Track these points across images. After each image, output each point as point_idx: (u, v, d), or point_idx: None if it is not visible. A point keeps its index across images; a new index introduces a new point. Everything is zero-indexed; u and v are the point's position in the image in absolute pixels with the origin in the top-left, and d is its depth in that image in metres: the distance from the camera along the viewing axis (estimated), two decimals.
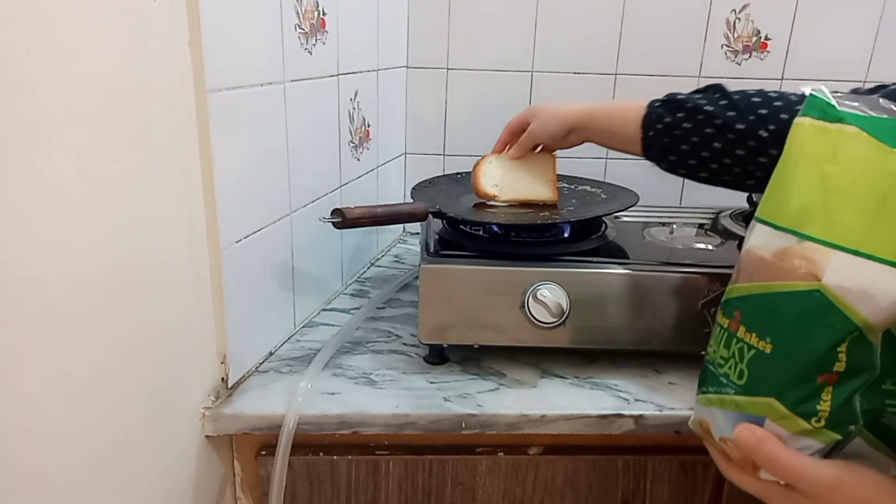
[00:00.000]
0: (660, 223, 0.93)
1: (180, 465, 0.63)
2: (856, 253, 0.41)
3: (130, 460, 0.56)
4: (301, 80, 0.76)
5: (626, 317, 0.73)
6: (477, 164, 0.86)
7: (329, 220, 0.73)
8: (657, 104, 0.71)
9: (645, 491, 0.74)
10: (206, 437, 0.67)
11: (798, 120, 0.46)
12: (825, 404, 0.43)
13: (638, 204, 0.85)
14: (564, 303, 0.71)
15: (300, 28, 0.74)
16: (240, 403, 0.67)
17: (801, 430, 0.44)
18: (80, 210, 0.47)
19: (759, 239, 0.47)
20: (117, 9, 0.49)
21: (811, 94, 0.46)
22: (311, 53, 0.77)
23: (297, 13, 0.74)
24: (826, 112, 0.44)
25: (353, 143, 0.93)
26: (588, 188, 0.95)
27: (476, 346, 0.76)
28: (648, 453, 0.73)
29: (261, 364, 0.75)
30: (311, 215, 0.81)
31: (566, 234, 0.82)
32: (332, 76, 0.84)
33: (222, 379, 0.69)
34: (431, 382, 0.73)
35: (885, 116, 0.43)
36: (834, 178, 0.43)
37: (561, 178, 0.99)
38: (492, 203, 0.86)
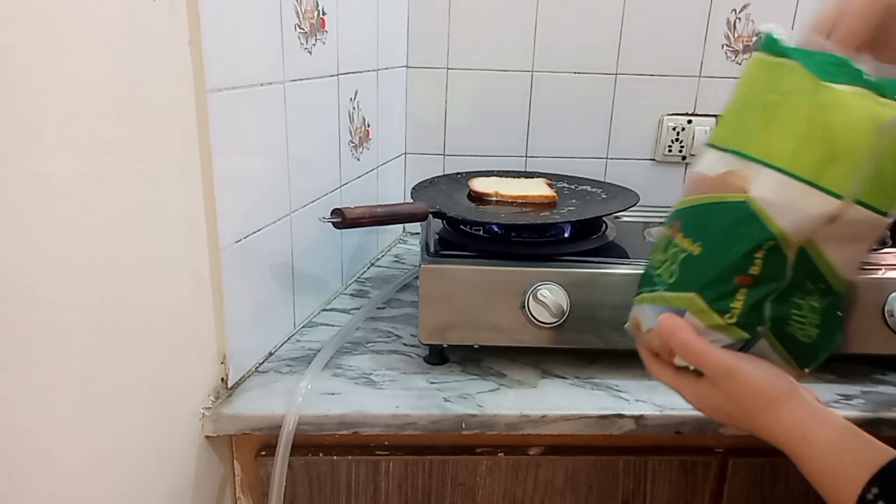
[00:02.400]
0: (660, 223, 0.92)
1: (180, 465, 0.63)
2: (782, 171, 0.45)
3: (130, 460, 0.56)
4: (301, 79, 0.76)
5: (627, 317, 0.73)
6: None
7: (329, 220, 0.73)
8: None
9: (645, 491, 0.74)
10: (206, 437, 0.67)
11: (753, 55, 0.51)
12: (738, 304, 0.48)
13: (638, 204, 0.85)
14: (565, 303, 0.71)
15: (300, 28, 0.74)
16: (240, 404, 0.67)
17: (714, 324, 0.49)
18: (79, 210, 0.47)
19: (707, 163, 0.51)
20: (117, 9, 0.49)
21: (766, 34, 0.50)
22: (310, 53, 0.77)
23: (297, 13, 0.73)
24: (773, 47, 0.48)
25: (353, 142, 0.93)
26: (588, 188, 0.95)
27: (476, 347, 0.76)
28: (649, 453, 0.73)
29: (261, 364, 0.75)
30: (311, 215, 0.81)
31: (566, 234, 0.82)
32: (332, 76, 0.84)
33: (222, 379, 0.69)
34: (431, 383, 0.73)
35: (821, 51, 0.46)
36: (773, 106, 0.47)
37: (561, 177, 0.99)
38: (492, 202, 0.86)
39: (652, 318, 0.53)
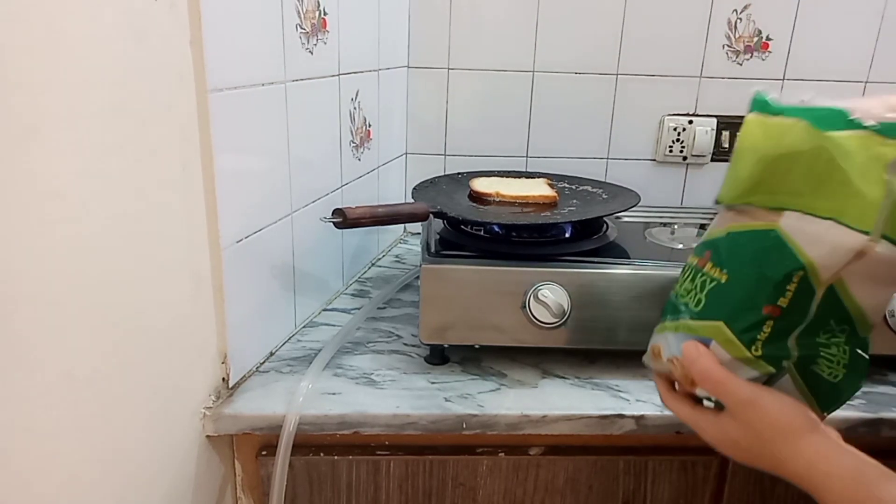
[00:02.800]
0: (661, 223, 0.93)
1: (180, 465, 0.63)
2: (806, 212, 0.46)
3: (130, 460, 0.56)
4: (302, 79, 0.76)
5: (628, 317, 0.73)
6: None
7: (330, 220, 0.73)
8: None
9: (645, 491, 0.74)
10: (207, 437, 0.67)
11: (747, 118, 0.52)
12: (764, 335, 0.48)
13: (639, 204, 0.85)
14: (565, 303, 0.71)
15: (301, 28, 0.74)
16: (240, 403, 0.67)
17: (741, 356, 0.48)
18: (79, 210, 0.47)
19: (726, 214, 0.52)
20: (117, 9, 0.49)
21: (756, 94, 0.52)
22: (312, 53, 0.77)
23: (299, 13, 0.74)
24: (766, 108, 0.50)
25: (353, 142, 0.93)
26: (589, 188, 0.95)
27: (477, 347, 0.76)
28: (649, 453, 0.73)
29: (261, 364, 0.75)
30: (311, 215, 0.81)
31: (567, 235, 0.82)
32: (333, 76, 0.84)
33: (223, 379, 0.69)
34: (432, 383, 0.73)
35: (814, 106, 0.48)
36: (783, 162, 0.48)
37: (562, 178, 0.99)
38: (493, 202, 0.86)
39: (675, 346, 0.52)
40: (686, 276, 0.54)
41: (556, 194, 0.88)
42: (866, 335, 0.50)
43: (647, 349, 0.58)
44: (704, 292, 0.51)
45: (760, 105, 0.51)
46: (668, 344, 0.53)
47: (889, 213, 0.43)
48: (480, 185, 0.91)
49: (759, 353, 0.48)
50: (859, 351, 0.50)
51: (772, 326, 0.48)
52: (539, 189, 0.90)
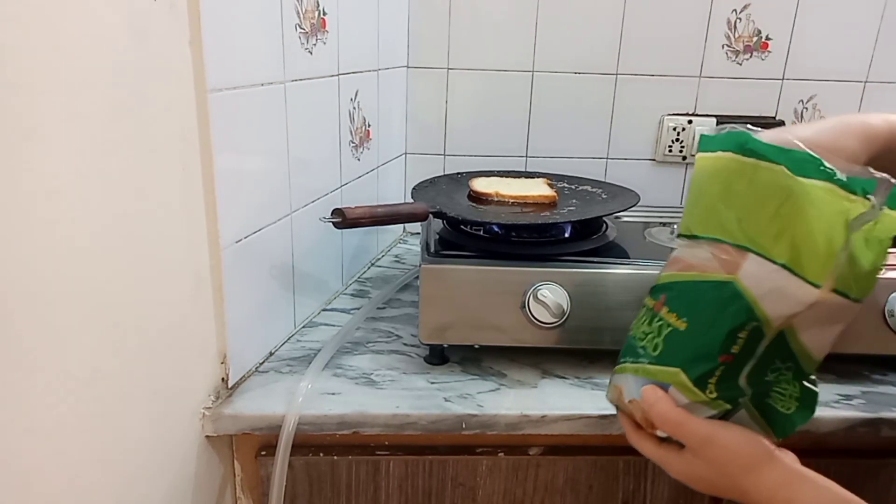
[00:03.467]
0: (660, 223, 0.92)
1: (180, 465, 0.63)
2: (767, 258, 0.48)
3: (130, 460, 0.56)
4: (301, 79, 0.76)
5: (627, 317, 0.72)
6: None
7: (329, 220, 0.73)
8: None
9: (645, 491, 0.74)
10: (207, 437, 0.67)
11: (708, 155, 0.53)
12: (716, 378, 0.50)
13: (639, 204, 0.85)
14: (565, 303, 0.71)
15: (301, 28, 0.74)
16: (240, 403, 0.67)
17: (699, 400, 0.50)
18: (79, 210, 0.47)
19: (687, 246, 0.53)
20: (117, 9, 0.49)
21: (728, 131, 0.53)
22: (311, 53, 0.77)
23: (298, 13, 0.74)
24: (744, 145, 0.51)
25: (353, 142, 0.93)
26: (589, 188, 0.95)
27: (476, 347, 0.76)
28: None
29: (261, 364, 0.75)
30: (311, 215, 0.81)
31: (567, 234, 0.82)
32: (332, 76, 0.84)
33: (222, 379, 0.69)
34: (432, 383, 0.73)
35: (792, 149, 0.49)
36: (752, 199, 0.49)
37: (561, 178, 0.99)
38: (492, 202, 0.86)
39: (634, 390, 0.54)
40: (643, 318, 0.55)
41: (555, 194, 0.88)
42: (811, 371, 0.52)
43: (609, 385, 0.59)
44: (662, 337, 0.52)
45: (739, 141, 0.51)
46: (629, 386, 0.55)
47: (843, 268, 0.45)
48: (480, 185, 0.91)
49: (714, 395, 0.50)
50: (807, 384, 0.52)
51: (722, 370, 0.50)
52: (539, 189, 0.90)
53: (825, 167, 0.47)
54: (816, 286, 0.46)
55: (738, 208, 0.50)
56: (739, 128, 0.53)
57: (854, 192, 0.46)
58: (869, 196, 0.45)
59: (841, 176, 0.46)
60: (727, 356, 0.49)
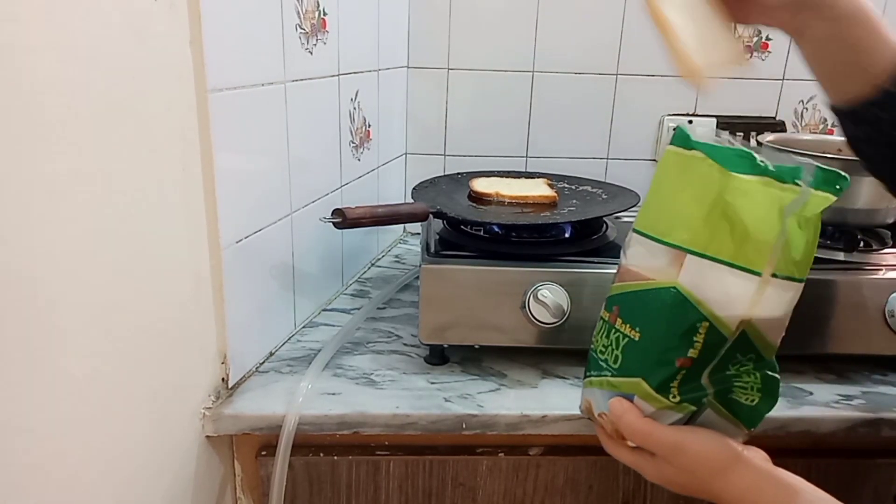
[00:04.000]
0: None
1: (180, 465, 0.63)
2: (704, 256, 0.49)
3: (130, 460, 0.56)
4: (302, 80, 0.76)
5: None
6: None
7: (329, 220, 0.73)
8: None
9: (645, 491, 0.74)
10: (207, 437, 0.67)
11: (668, 147, 0.55)
12: (677, 382, 0.51)
13: (639, 204, 0.84)
14: (565, 303, 0.71)
15: (301, 28, 0.74)
16: (240, 404, 0.67)
17: (664, 406, 0.51)
18: (79, 210, 0.47)
19: (636, 254, 0.55)
20: (117, 9, 0.49)
21: (678, 128, 0.55)
22: (311, 53, 0.77)
23: (298, 13, 0.74)
24: (685, 142, 0.53)
25: (353, 143, 0.93)
26: (589, 188, 0.95)
27: (477, 347, 0.76)
28: None
29: (261, 364, 0.75)
30: (311, 215, 0.81)
31: (567, 235, 0.82)
32: (332, 76, 0.84)
33: (222, 379, 0.69)
34: (432, 383, 0.73)
35: (725, 146, 0.51)
36: (688, 196, 0.51)
37: (561, 178, 0.99)
38: (492, 202, 0.86)
39: (602, 403, 0.55)
40: (601, 331, 0.56)
41: (555, 194, 0.88)
42: (771, 357, 0.52)
43: (580, 399, 0.60)
44: (620, 349, 0.53)
45: (681, 138, 0.54)
46: (597, 400, 0.56)
47: (780, 252, 0.47)
48: (480, 185, 0.91)
49: (678, 398, 0.51)
50: (769, 372, 0.52)
51: (683, 374, 0.51)
52: (539, 189, 0.90)
53: (758, 161, 0.49)
54: (757, 274, 0.48)
55: (677, 203, 0.52)
56: (683, 124, 0.55)
57: (784, 181, 0.48)
58: (798, 182, 0.48)
59: (772, 168, 0.49)
60: (685, 360, 0.50)
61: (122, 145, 0.51)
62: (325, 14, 0.79)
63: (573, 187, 0.96)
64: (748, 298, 0.48)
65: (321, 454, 0.70)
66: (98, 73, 0.47)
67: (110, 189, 0.50)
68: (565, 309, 0.71)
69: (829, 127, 1.16)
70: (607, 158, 1.16)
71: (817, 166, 0.48)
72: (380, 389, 0.71)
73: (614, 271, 0.72)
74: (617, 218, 0.91)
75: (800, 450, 0.72)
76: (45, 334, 0.45)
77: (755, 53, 1.11)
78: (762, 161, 0.49)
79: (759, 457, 0.51)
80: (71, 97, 0.45)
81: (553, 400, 0.70)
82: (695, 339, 0.49)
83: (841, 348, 0.74)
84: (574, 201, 0.89)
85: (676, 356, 0.50)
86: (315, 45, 0.78)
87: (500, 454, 0.72)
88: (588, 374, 0.58)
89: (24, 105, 0.42)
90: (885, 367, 0.77)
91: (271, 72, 0.70)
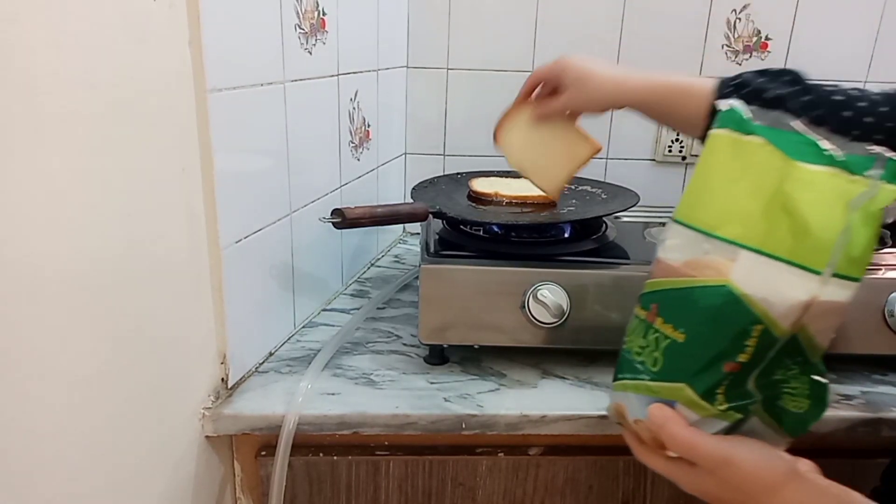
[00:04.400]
0: (660, 223, 0.92)
1: (180, 465, 0.63)
2: (758, 252, 0.45)
3: (130, 460, 0.56)
4: (301, 80, 0.76)
5: (627, 317, 0.72)
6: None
7: (329, 220, 0.73)
8: (728, 89, 0.65)
9: (645, 491, 0.74)
10: (206, 437, 0.67)
11: (715, 132, 0.50)
12: (724, 388, 0.47)
13: (638, 204, 0.84)
14: (565, 303, 0.71)
15: (300, 28, 0.74)
16: (240, 404, 0.67)
17: (709, 414, 0.48)
18: (79, 210, 0.47)
19: (676, 243, 0.51)
20: (117, 9, 0.49)
21: (729, 108, 0.50)
22: (311, 53, 0.77)
23: (298, 13, 0.73)
24: (741, 125, 0.49)
25: (353, 143, 0.93)
26: (588, 188, 0.95)
27: (476, 347, 0.76)
28: None
29: (261, 364, 0.75)
30: (311, 215, 0.81)
31: (567, 235, 0.82)
32: (332, 76, 0.84)
33: (222, 379, 0.69)
34: (432, 383, 0.73)
35: (789, 131, 0.47)
36: (744, 186, 0.47)
37: None
38: (492, 202, 0.86)
39: (638, 409, 0.51)
40: (636, 330, 0.52)
41: None
42: (817, 360, 0.49)
43: (609, 402, 0.56)
44: (660, 351, 0.49)
45: (734, 121, 0.49)
46: (632, 406, 0.52)
47: (843, 250, 0.43)
48: (480, 185, 0.91)
49: (724, 406, 0.47)
50: (816, 377, 0.49)
51: (730, 380, 0.47)
52: (538, 189, 0.90)
53: (824, 150, 0.45)
54: (817, 273, 0.44)
55: (730, 193, 0.48)
56: (737, 104, 0.50)
57: (854, 173, 0.44)
58: (868, 174, 0.44)
59: (841, 157, 0.45)
60: (734, 365, 0.46)
61: (121, 145, 0.51)
62: (324, 14, 0.79)
63: (573, 187, 0.96)
64: (805, 299, 0.44)
65: (321, 454, 0.70)
66: (97, 73, 0.47)
67: (109, 189, 0.50)
68: (565, 309, 0.71)
69: None
70: (607, 158, 1.16)
71: (889, 157, 0.44)
72: (379, 389, 0.71)
73: (614, 271, 0.73)
74: (617, 218, 0.91)
75: (799, 449, 0.72)
76: (45, 335, 0.45)
77: (755, 53, 1.11)
78: (829, 150, 0.45)
79: (808, 467, 0.48)
80: (70, 97, 0.45)
81: (553, 400, 0.70)
82: (747, 342, 0.45)
83: (840, 348, 0.73)
84: (574, 201, 0.89)
85: (726, 360, 0.46)
86: (314, 45, 0.78)
87: (499, 454, 0.72)
88: (620, 376, 0.54)
89: (23, 105, 0.42)
90: (885, 366, 0.77)
91: (270, 72, 0.70)
